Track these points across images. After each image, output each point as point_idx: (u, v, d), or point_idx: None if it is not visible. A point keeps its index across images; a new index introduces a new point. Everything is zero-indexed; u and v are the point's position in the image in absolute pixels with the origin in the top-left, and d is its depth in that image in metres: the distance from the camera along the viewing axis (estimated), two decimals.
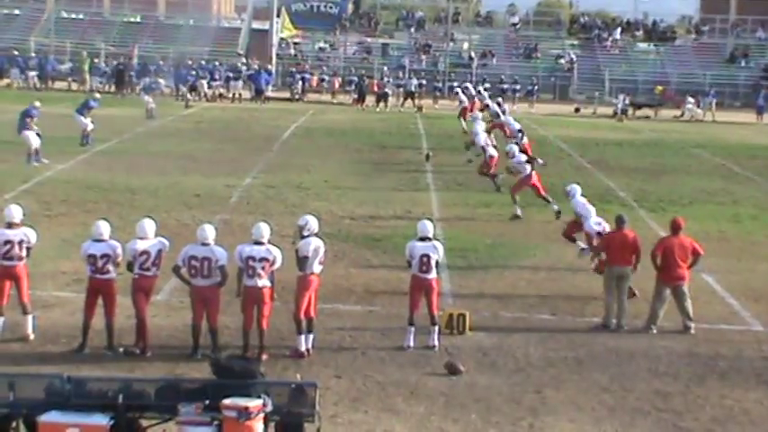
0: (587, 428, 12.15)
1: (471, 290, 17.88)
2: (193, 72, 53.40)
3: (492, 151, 28.74)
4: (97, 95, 37.01)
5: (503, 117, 36.38)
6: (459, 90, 47.83)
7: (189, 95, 49.94)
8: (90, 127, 32.82)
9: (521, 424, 12.15)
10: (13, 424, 10.55)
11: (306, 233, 14.26)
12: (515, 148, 26.05)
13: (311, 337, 14.27)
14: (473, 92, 47.37)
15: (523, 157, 25.29)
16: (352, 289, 17.57)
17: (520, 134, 31.54)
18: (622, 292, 16.18)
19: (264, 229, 14.02)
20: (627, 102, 55.49)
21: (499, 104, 40.39)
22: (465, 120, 40.70)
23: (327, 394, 12.38)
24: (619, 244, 16.30)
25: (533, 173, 24.67)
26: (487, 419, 12.24)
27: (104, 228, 14.06)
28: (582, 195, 19.69)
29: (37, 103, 30.42)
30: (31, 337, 14.24)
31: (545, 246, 21.34)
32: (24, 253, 14.21)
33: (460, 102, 44.17)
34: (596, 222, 18.29)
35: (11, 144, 29.66)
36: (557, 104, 58.67)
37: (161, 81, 52.73)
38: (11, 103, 37.98)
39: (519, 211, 24.00)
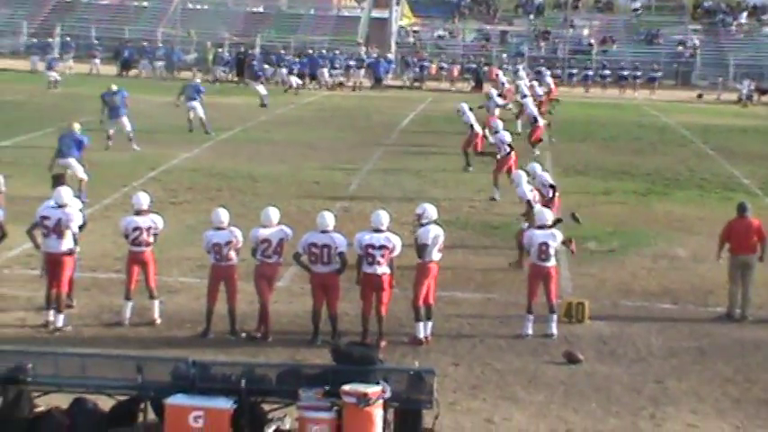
0: (710, 420, 11.97)
1: (591, 278, 17.73)
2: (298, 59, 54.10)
3: (478, 129, 28.47)
4: (197, 80, 37.49)
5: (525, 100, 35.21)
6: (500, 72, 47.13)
7: (296, 83, 50.10)
8: (200, 114, 33.29)
9: (641, 414, 12.03)
10: (142, 405, 10.88)
11: (424, 221, 14.32)
12: (500, 125, 26.07)
13: (430, 324, 14.34)
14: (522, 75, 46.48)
15: (507, 138, 24.99)
16: (471, 276, 17.58)
17: (534, 121, 31.44)
18: (747, 281, 15.87)
19: (384, 217, 14.11)
20: (752, 87, 54.21)
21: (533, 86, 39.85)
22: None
23: (446, 381, 12.43)
24: (742, 232, 15.98)
25: (512, 154, 24.41)
26: (607, 409, 12.14)
27: (224, 215, 14.34)
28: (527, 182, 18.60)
29: (114, 87, 30.72)
30: (158, 321, 14.62)
31: (666, 234, 21.03)
32: (152, 239, 14.58)
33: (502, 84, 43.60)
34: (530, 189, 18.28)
35: (140, 131, 30.31)
36: (679, 91, 57.57)
37: (283, 70, 53.30)
38: (140, 92, 38.80)
39: (497, 195, 23.84)
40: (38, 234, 14.28)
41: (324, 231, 14.01)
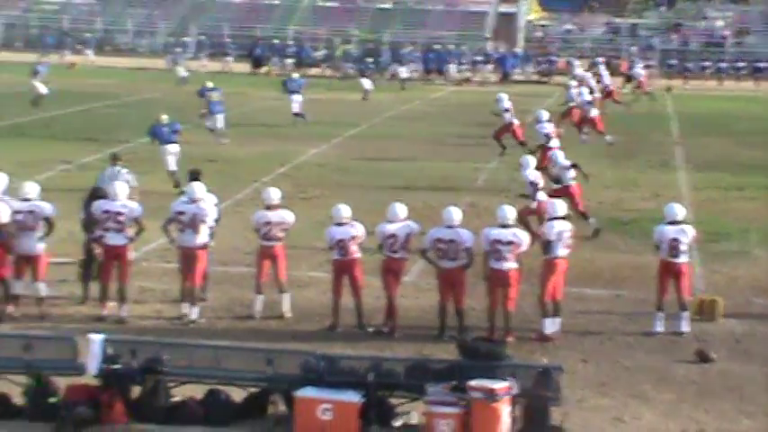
0: None
1: (723, 276, 17.40)
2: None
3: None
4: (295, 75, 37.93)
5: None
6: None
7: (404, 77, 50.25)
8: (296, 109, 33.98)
9: None
10: (272, 397, 11.10)
11: (548, 216, 14.27)
12: (545, 115, 26.32)
13: (558, 320, 14.27)
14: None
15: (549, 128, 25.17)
16: (599, 273, 17.42)
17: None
18: None
19: (510, 212, 14.10)
20: None
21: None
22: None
23: (573, 378, 12.35)
24: None
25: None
26: (741, 409, 11.93)
27: (345, 211, 14.50)
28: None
29: (210, 83, 31.52)
30: (288, 315, 14.87)
31: None
32: (282, 234, 14.83)
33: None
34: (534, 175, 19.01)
35: (270, 128, 30.86)
36: None
37: (402, 68, 53.53)
38: (271, 89, 39.48)
39: None
40: (173, 229, 14.67)
41: (450, 227, 14.06)
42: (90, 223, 15.05)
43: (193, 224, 14.48)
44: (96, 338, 11.17)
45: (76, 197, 16.67)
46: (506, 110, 29.64)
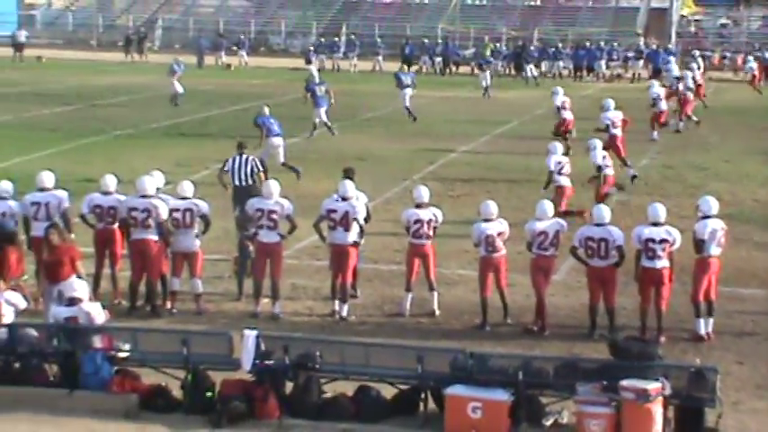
0: None
1: None
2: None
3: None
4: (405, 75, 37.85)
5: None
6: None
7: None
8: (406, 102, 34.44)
9: None
10: (422, 395, 11.18)
11: (701, 214, 13.99)
12: (611, 104, 26.12)
13: (711, 320, 13.98)
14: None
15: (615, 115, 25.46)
16: (755, 273, 16.99)
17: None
18: None
19: (661, 210, 13.89)
20: None
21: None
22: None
23: (728, 380, 12.07)
24: None
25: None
26: None
27: (493, 207, 14.52)
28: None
29: (316, 78, 31.87)
30: (437, 312, 14.94)
31: None
32: (432, 232, 14.90)
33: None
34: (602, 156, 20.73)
35: (420, 126, 31.00)
36: None
37: (560, 63, 53.09)
38: (420, 88, 39.62)
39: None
40: (325, 227, 14.89)
41: (600, 224, 13.92)
42: (244, 221, 15.40)
43: (345, 222, 14.66)
44: (250, 334, 11.43)
45: (228, 196, 17.07)
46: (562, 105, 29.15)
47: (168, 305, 14.79)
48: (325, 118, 30.51)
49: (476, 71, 48.82)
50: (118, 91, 40.07)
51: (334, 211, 14.73)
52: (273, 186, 14.96)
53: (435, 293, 15.01)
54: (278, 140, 24.19)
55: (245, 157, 18.69)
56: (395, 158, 27.37)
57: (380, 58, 56.03)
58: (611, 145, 24.35)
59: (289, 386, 11.34)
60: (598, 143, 21.50)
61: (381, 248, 17.83)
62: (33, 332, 11.98)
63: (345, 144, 27.85)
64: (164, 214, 14.53)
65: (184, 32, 67.52)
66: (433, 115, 35.29)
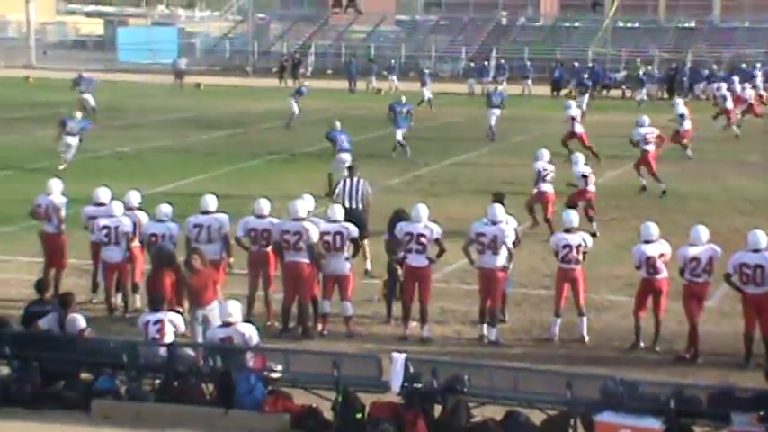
0: None
1: None
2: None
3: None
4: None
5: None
6: None
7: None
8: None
9: None
10: (572, 421, 11.09)
11: None
12: (646, 120, 26.65)
13: None
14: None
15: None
16: None
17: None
18: None
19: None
20: None
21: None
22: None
23: None
24: None
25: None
26: None
27: (654, 229, 14.46)
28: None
29: (403, 99, 32.84)
30: (586, 338, 14.80)
31: None
32: (581, 257, 14.80)
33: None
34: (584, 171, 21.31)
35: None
36: None
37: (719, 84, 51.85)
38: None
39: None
40: (473, 251, 14.93)
41: (756, 251, 13.61)
42: (393, 244, 15.56)
43: (493, 246, 14.68)
44: (399, 357, 11.54)
45: (380, 219, 17.28)
46: (573, 118, 30.75)
47: (319, 327, 15.03)
48: (400, 138, 31.58)
49: (627, 93, 48.19)
50: (272, 116, 40.94)
51: (483, 234, 14.76)
52: (422, 210, 15.07)
53: (584, 318, 14.88)
54: (346, 156, 24.87)
55: (356, 179, 18.91)
56: None
57: (530, 81, 55.81)
58: (643, 160, 25.79)
59: (437, 409, 11.41)
60: (580, 157, 22.39)
61: (530, 272, 17.77)
62: (191, 352, 12.35)
63: (495, 168, 27.82)
64: (314, 237, 14.79)
65: (337, 58, 68.58)
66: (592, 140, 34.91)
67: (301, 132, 36.83)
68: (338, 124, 26.47)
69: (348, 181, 18.77)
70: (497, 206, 15.18)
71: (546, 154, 22.11)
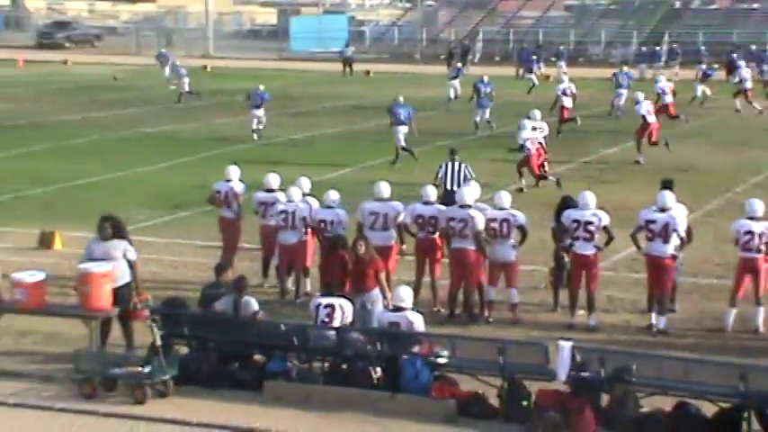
0: None
1: None
2: None
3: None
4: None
5: None
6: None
7: None
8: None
9: None
10: (745, 414, 10.82)
11: None
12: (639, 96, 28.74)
13: None
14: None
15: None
16: None
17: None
18: None
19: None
20: None
21: None
22: None
23: None
24: None
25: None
26: None
27: None
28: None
29: (485, 78, 34.33)
30: (761, 329, 14.40)
31: None
32: (764, 246, 14.29)
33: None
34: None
35: (748, 136, 29.79)
36: None
37: None
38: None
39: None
40: (642, 238, 14.70)
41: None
42: (560, 232, 15.46)
43: (664, 234, 14.41)
44: (566, 345, 11.48)
45: (547, 206, 17.20)
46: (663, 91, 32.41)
47: (485, 314, 15.06)
48: (478, 118, 33.46)
49: None
50: (438, 103, 41.07)
51: (654, 221, 14.50)
52: (590, 197, 14.91)
53: (761, 309, 14.46)
54: (402, 128, 27.57)
55: (457, 163, 19.00)
56: (717, 169, 26.57)
57: (704, 66, 54.37)
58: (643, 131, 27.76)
59: (604, 399, 11.31)
60: (528, 123, 24.83)
61: (701, 262, 17.39)
62: (359, 336, 12.56)
63: (665, 154, 27.27)
64: (480, 225, 14.81)
65: (505, 44, 68.24)
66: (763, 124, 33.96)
67: (465, 119, 36.84)
68: (401, 99, 28.96)
69: (450, 164, 19.08)
70: (667, 193, 14.89)
71: (529, 123, 24.76)
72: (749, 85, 39.46)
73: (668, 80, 36.25)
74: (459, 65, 47.03)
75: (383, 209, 15.54)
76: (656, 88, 33.58)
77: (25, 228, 19.98)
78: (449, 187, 18.81)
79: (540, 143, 24.64)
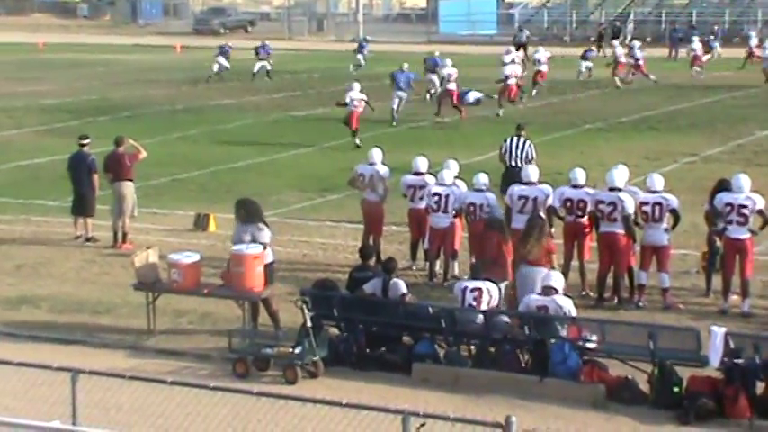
0: None
1: None
2: None
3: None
4: None
5: None
6: None
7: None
8: None
9: None
10: None
11: None
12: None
13: None
14: None
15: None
16: None
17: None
18: None
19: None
20: None
21: None
22: None
23: None
24: None
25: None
26: None
27: None
28: None
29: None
30: None
31: None
32: None
33: None
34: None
35: None
36: None
37: None
38: None
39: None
40: None
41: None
42: (713, 215, 15.13)
43: None
44: (719, 331, 11.26)
45: (700, 189, 16.85)
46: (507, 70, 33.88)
47: (635, 298, 14.87)
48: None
49: None
50: (589, 85, 40.55)
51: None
52: (744, 180, 14.57)
53: None
54: (401, 93, 31.52)
55: (522, 139, 18.62)
56: None
57: None
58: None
59: (759, 386, 11.06)
60: (507, 58, 33.90)
61: None
62: (506, 319, 12.56)
63: None
64: (629, 208, 14.61)
65: (656, 25, 66.86)
66: None
67: (619, 101, 36.30)
68: (406, 66, 32.25)
69: (515, 139, 18.95)
70: None
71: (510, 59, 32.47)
72: None
73: None
74: (594, 48, 47.67)
75: (533, 193, 15.47)
76: None
77: (181, 210, 20.57)
78: (509, 163, 18.65)
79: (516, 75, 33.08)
